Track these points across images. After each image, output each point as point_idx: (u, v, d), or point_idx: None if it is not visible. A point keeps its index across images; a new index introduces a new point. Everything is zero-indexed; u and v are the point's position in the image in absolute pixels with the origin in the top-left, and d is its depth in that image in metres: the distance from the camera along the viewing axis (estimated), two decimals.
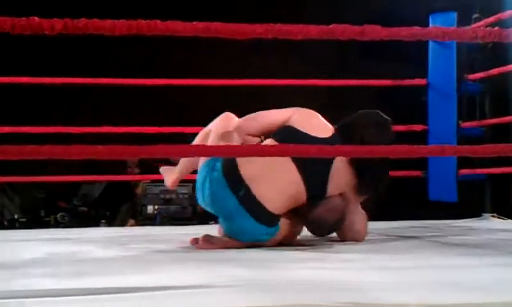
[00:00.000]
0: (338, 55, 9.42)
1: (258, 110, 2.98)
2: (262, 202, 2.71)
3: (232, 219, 2.75)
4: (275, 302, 1.51)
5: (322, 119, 2.91)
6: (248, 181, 2.72)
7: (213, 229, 4.23)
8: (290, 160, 2.71)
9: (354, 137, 2.82)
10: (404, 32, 1.80)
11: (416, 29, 1.82)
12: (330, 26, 1.78)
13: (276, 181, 2.71)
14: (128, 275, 2.00)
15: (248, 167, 2.72)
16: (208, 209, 2.88)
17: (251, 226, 2.72)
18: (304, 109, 2.91)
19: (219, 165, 2.76)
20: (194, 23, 1.78)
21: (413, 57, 4.60)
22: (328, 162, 2.76)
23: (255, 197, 2.70)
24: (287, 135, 2.77)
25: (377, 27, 1.79)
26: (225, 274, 2.01)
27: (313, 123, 2.85)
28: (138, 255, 2.61)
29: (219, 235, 2.90)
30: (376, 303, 1.54)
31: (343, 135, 2.83)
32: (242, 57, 9.05)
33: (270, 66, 8.70)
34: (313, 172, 2.73)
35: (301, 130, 2.80)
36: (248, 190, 2.71)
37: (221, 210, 2.80)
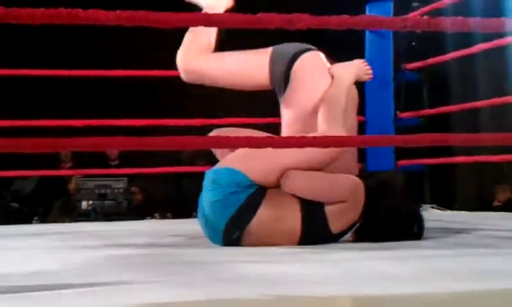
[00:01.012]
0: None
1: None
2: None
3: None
4: (198, 296, 1.52)
5: None
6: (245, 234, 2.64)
7: (148, 224, 4.24)
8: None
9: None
10: (334, 21, 1.82)
11: (345, 18, 1.84)
12: (257, 15, 1.79)
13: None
14: (57, 274, 1.98)
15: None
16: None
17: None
18: None
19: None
20: (117, 12, 1.76)
21: (352, 48, 4.65)
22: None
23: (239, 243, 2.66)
24: None
25: (306, 16, 1.80)
26: (153, 270, 2.01)
27: None
28: (68, 252, 2.59)
29: None
30: (300, 296, 1.55)
31: None
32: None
33: None
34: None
35: None
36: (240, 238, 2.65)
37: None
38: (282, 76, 2.81)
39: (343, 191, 2.62)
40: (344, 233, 2.67)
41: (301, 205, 2.64)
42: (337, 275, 1.86)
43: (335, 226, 2.62)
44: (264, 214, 2.62)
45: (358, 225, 2.69)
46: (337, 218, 2.62)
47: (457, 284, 1.65)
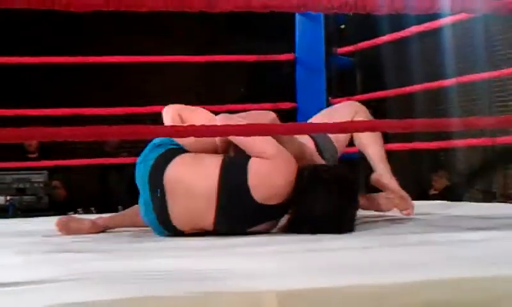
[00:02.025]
0: (206, 33, 9.48)
1: None
2: (170, 214, 2.69)
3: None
4: (116, 295, 1.50)
5: None
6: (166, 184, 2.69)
7: None
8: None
9: None
10: (256, 4, 1.80)
11: (268, 0, 1.83)
12: None
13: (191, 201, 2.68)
14: None
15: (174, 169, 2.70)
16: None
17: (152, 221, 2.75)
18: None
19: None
20: None
21: (283, 32, 4.66)
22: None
23: (166, 206, 2.69)
24: None
25: None
26: (72, 266, 1.98)
27: None
28: None
29: None
30: (224, 291, 1.55)
31: None
32: (104, 35, 8.98)
33: (133, 44, 8.65)
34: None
35: None
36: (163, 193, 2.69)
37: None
38: None
39: (267, 145, 2.63)
40: (267, 209, 2.65)
41: (223, 157, 2.69)
42: (263, 270, 1.86)
43: (255, 184, 2.62)
44: (180, 160, 2.69)
45: (290, 214, 2.70)
46: (260, 177, 2.62)
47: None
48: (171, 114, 2.90)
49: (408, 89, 5.32)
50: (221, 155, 2.74)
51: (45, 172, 6.81)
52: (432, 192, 8.57)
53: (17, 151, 7.25)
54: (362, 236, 2.60)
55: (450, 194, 7.85)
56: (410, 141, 5.84)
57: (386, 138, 7.03)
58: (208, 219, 2.68)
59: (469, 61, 8.92)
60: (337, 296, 1.54)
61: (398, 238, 2.51)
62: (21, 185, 6.67)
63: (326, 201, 2.63)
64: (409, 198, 3.12)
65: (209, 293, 1.53)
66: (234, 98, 7.88)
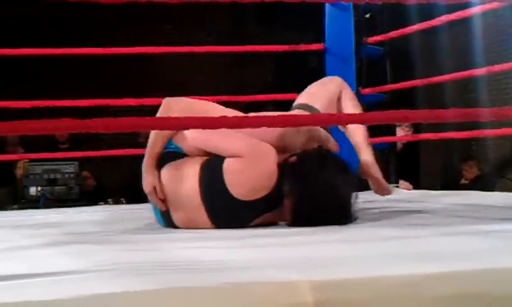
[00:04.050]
0: (236, 24, 9.48)
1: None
2: (172, 216, 2.74)
3: None
4: (144, 285, 1.50)
5: None
6: None
7: (100, 211, 4.20)
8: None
9: None
10: None
11: None
12: None
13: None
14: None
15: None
16: None
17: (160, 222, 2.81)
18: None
19: None
20: None
21: (313, 23, 4.64)
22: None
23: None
24: None
25: None
26: (95, 258, 1.98)
27: None
28: (10, 242, 2.55)
29: None
30: (261, 281, 1.55)
31: None
32: (127, 25, 9.02)
33: (161, 35, 8.68)
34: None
35: None
36: None
37: None
38: None
39: (238, 143, 2.62)
40: (253, 204, 2.63)
41: (201, 162, 2.68)
42: (293, 259, 1.86)
43: (231, 182, 2.61)
44: (164, 172, 2.72)
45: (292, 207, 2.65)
46: (234, 175, 2.61)
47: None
48: (180, 107, 2.79)
49: (437, 78, 5.28)
50: (204, 156, 2.72)
51: (76, 162, 6.83)
52: (463, 181, 8.51)
53: (48, 142, 7.30)
54: (379, 226, 2.59)
55: (481, 184, 7.79)
56: (441, 131, 5.81)
57: (418, 128, 7.01)
58: (204, 220, 2.69)
59: (500, 50, 8.84)
60: (369, 286, 1.53)
61: (418, 229, 2.50)
62: (52, 176, 6.71)
63: (325, 189, 2.59)
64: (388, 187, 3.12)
65: (240, 283, 1.53)
66: (261, 88, 7.86)
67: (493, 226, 2.48)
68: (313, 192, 2.58)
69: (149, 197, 2.77)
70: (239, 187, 2.61)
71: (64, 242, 2.44)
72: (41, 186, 6.67)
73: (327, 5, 4.29)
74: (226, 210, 2.64)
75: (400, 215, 2.92)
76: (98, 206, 5.79)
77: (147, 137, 2.87)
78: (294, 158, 2.66)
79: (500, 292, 1.56)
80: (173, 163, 2.73)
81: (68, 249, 2.24)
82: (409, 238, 2.27)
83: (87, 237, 2.59)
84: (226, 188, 2.61)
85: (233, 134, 2.64)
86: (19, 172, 6.95)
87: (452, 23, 4.32)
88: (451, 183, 8.48)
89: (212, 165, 2.66)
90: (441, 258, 1.82)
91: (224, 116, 2.02)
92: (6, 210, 5.57)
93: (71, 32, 8.38)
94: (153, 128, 2.58)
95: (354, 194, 2.64)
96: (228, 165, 2.62)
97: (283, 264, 1.78)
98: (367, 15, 4.39)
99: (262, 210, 2.67)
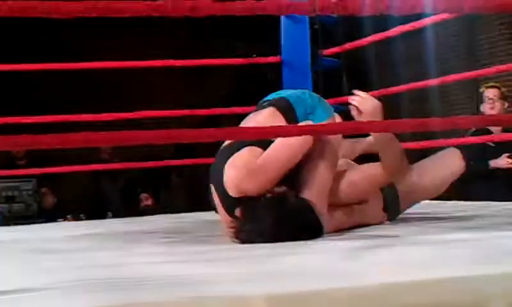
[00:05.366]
0: (190, 36, 9.47)
1: None
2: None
3: None
4: (98, 302, 1.49)
5: None
6: None
7: (58, 228, 4.14)
8: None
9: None
10: (238, 8, 1.80)
11: (249, 4, 1.82)
12: (159, 2, 1.76)
13: None
14: None
15: None
16: None
17: None
18: None
19: None
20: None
21: (268, 34, 4.64)
22: None
23: None
24: None
25: (209, 2, 1.78)
26: (53, 275, 1.96)
27: None
28: None
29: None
30: (217, 296, 1.54)
31: None
32: (87, 38, 8.97)
33: (119, 47, 8.63)
34: None
35: None
36: None
37: None
38: None
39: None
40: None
41: None
42: (249, 274, 1.86)
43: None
44: None
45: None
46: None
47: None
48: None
49: (393, 89, 5.32)
50: None
51: (34, 179, 6.77)
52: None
53: (5, 159, 7.22)
54: (347, 239, 2.59)
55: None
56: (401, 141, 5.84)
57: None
58: None
59: (452, 60, 8.97)
60: (325, 299, 1.53)
61: (388, 239, 2.51)
62: (10, 193, 6.64)
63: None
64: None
65: (197, 297, 1.52)
66: (218, 102, 7.84)
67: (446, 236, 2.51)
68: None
69: None
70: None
71: (22, 259, 2.41)
72: None
73: (282, 17, 4.30)
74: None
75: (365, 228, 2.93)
76: (57, 222, 5.75)
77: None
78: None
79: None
80: None
81: (25, 267, 2.22)
82: (370, 248, 2.28)
83: (48, 255, 2.56)
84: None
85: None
86: None
87: (406, 34, 4.35)
88: None
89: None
90: (404, 268, 1.83)
91: None
92: None
93: (31, 47, 8.32)
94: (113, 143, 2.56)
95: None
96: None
97: (238, 278, 1.78)
98: (316, 26, 4.39)
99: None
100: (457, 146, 3.40)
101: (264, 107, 2.93)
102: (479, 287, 1.60)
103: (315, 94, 3.06)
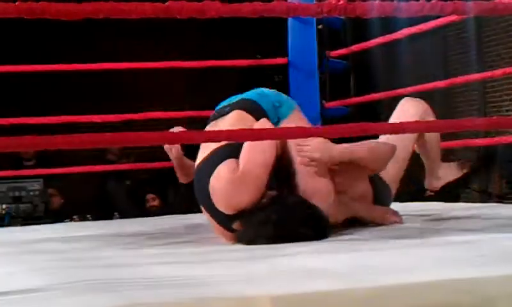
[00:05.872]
0: (199, 37, 9.48)
1: None
2: None
3: None
4: (105, 303, 1.49)
5: None
6: None
7: (65, 228, 4.15)
8: None
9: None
10: (246, 9, 1.80)
11: (257, 5, 1.82)
12: (166, 4, 1.77)
13: None
14: None
15: None
16: None
17: None
18: None
19: None
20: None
21: (277, 36, 4.64)
22: None
23: None
24: None
25: (217, 4, 1.79)
26: (61, 275, 1.97)
27: None
28: None
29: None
30: (222, 297, 1.54)
31: None
32: (91, 41, 8.99)
33: (128, 49, 8.64)
34: None
35: None
36: None
37: None
38: None
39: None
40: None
41: None
42: (255, 274, 1.86)
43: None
44: None
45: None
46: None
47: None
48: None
49: (400, 90, 5.32)
50: None
51: (41, 180, 6.79)
52: (428, 193, 8.53)
53: (13, 159, 7.24)
54: (351, 240, 2.60)
55: (447, 195, 7.83)
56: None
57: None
58: None
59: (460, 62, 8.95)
60: (331, 299, 1.53)
61: (389, 242, 2.50)
62: (17, 194, 6.65)
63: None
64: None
65: (201, 299, 1.52)
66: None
67: (455, 238, 2.50)
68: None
69: None
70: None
71: (25, 260, 2.42)
72: (6, 204, 6.61)
73: (289, 19, 4.31)
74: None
75: (366, 228, 2.92)
76: (64, 223, 5.75)
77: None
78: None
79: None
80: None
81: (28, 267, 2.22)
82: (371, 250, 2.28)
83: (53, 255, 2.57)
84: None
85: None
86: None
87: (414, 36, 4.36)
88: (416, 194, 8.50)
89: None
90: (408, 270, 1.83)
91: None
92: None
93: (31, 47, 8.36)
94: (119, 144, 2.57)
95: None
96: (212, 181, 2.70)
97: (243, 279, 1.78)
98: (320, 27, 4.39)
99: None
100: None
101: (227, 113, 2.88)
102: (484, 289, 1.60)
103: (272, 89, 3.05)
